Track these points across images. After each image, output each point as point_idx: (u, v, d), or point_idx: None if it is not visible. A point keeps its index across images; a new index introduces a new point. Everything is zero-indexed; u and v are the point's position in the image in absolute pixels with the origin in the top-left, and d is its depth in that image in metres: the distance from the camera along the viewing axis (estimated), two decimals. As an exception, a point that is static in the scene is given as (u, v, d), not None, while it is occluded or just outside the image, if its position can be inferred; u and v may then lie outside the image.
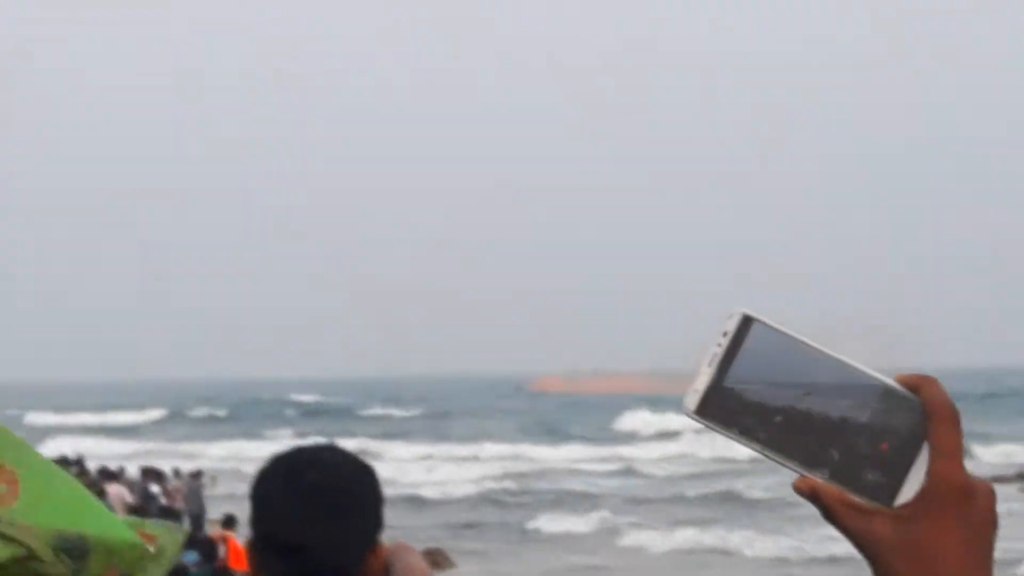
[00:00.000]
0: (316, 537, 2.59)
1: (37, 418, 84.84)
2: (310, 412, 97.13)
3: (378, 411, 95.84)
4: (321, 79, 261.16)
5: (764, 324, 1.23)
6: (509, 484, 45.98)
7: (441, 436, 70.45)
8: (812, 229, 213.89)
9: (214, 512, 26.60)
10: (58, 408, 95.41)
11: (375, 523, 2.65)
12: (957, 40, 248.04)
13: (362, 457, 2.71)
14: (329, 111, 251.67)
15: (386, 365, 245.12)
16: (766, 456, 1.22)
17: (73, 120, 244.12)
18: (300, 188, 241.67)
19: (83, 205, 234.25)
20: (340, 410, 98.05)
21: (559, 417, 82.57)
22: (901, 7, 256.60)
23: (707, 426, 1.22)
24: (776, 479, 39.13)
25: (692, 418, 1.22)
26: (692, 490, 41.27)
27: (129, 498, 24.73)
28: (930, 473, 1.20)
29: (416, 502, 40.90)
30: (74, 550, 3.80)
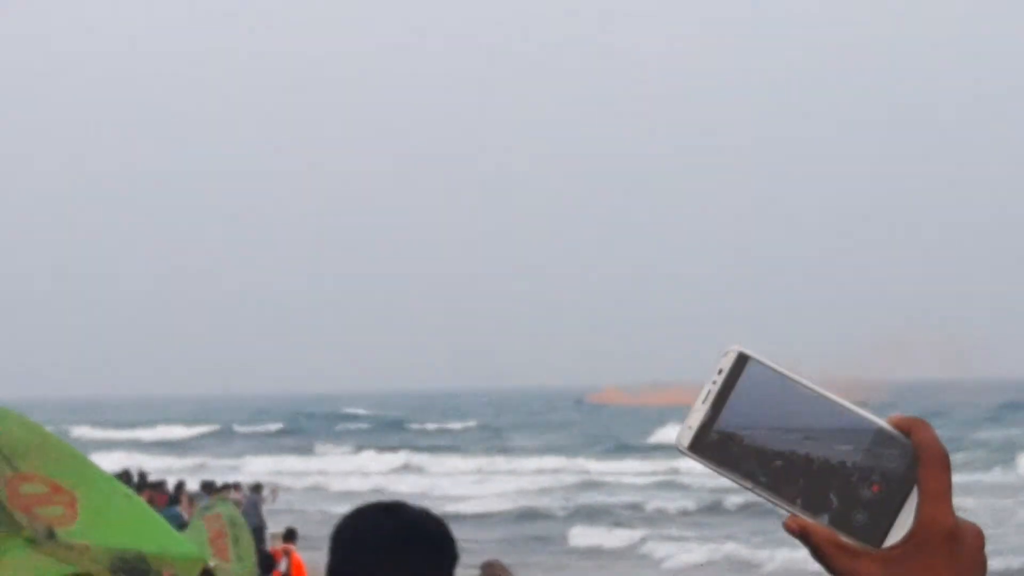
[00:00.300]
0: (398, 566, 2.73)
1: (83, 432, 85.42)
2: (363, 425, 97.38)
3: (431, 425, 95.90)
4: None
5: (759, 362, 1.25)
6: (555, 497, 46.10)
7: (493, 449, 70.50)
8: (881, 232, 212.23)
9: (273, 526, 27.00)
10: (105, 423, 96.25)
11: (450, 564, 2.82)
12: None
13: (434, 512, 2.94)
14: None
15: (443, 378, 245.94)
16: (760, 496, 1.23)
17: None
18: (348, 194, 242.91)
19: (111, 217, 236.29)
20: (393, 423, 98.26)
21: (614, 430, 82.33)
22: None
23: (700, 463, 1.24)
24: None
25: (685, 455, 1.24)
26: (734, 502, 40.89)
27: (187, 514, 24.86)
28: (919, 516, 1.21)
29: (461, 516, 41.00)
30: (133, 569, 4.35)
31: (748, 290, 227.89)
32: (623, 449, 67.23)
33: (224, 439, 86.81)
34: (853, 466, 1.22)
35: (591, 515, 39.77)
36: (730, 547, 30.99)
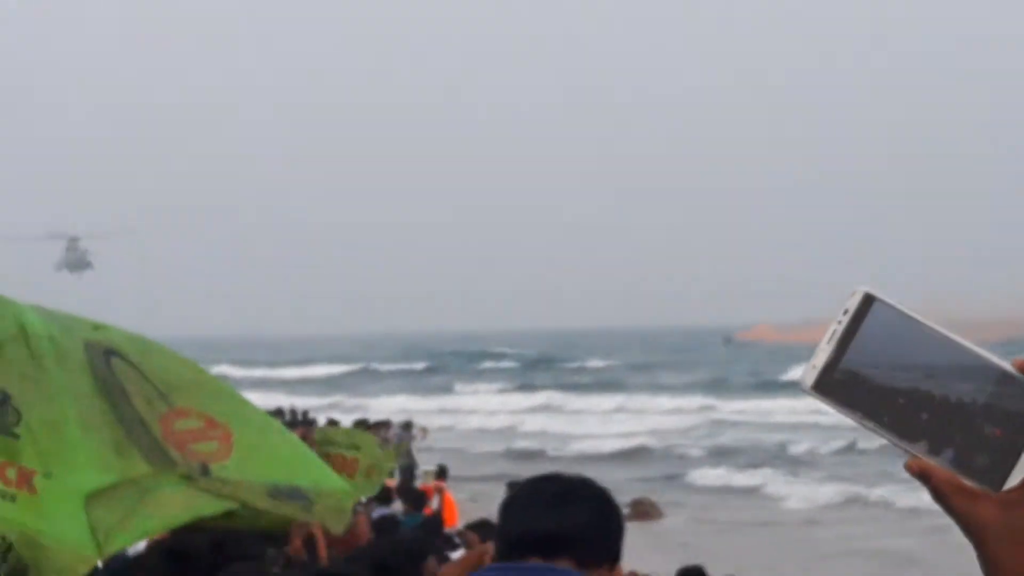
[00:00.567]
0: (577, 529, 2.92)
1: (223, 371, 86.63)
2: (506, 364, 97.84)
3: (573, 364, 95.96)
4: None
5: (885, 303, 1.26)
6: (691, 436, 46.04)
7: (634, 387, 70.32)
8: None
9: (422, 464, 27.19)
10: (248, 362, 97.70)
11: (617, 540, 3.00)
12: None
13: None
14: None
15: (590, 316, 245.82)
16: (883, 437, 1.25)
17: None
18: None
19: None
20: (536, 362, 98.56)
21: (758, 367, 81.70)
22: None
23: (824, 403, 1.26)
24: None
25: (809, 395, 1.27)
26: (869, 443, 40.26)
27: None
28: None
29: (596, 455, 41.20)
30: (292, 496, 4.39)
31: (906, 228, 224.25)
32: (764, 387, 66.62)
33: (366, 378, 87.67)
34: (976, 408, 1.21)
35: (722, 454, 39.65)
36: (856, 488, 30.67)
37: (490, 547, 3.32)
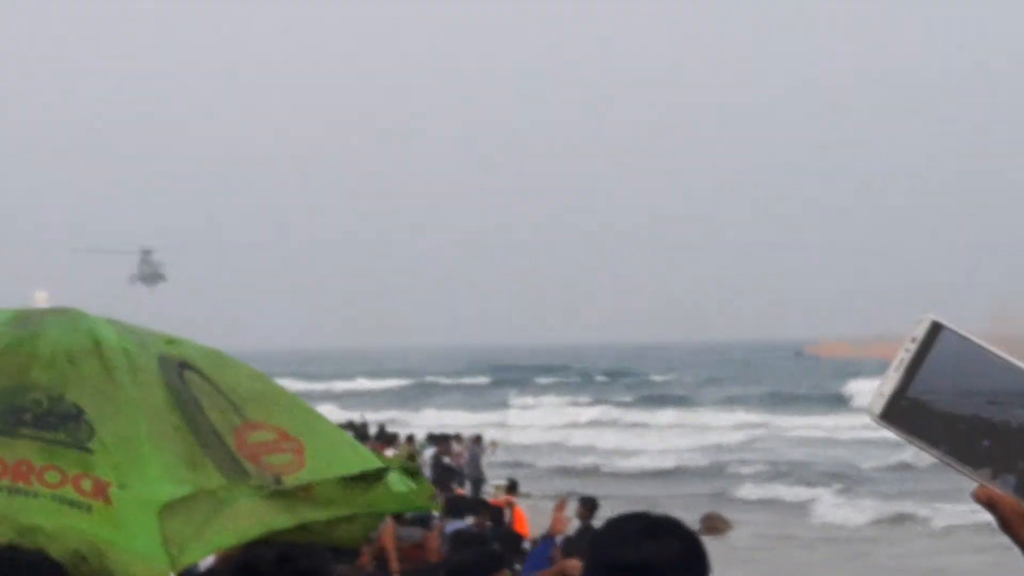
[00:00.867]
0: (666, 560, 3.00)
1: (288, 385, 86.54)
2: (565, 379, 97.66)
3: (631, 378, 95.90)
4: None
5: (951, 331, 1.27)
6: (747, 451, 45.64)
7: (694, 402, 69.98)
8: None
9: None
10: (308, 375, 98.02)
11: (703, 568, 3.07)
12: None
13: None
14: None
15: (659, 331, 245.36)
16: (949, 465, 1.27)
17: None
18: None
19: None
20: (602, 375, 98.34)
21: (823, 382, 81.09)
22: None
23: (891, 431, 1.28)
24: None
25: (877, 423, 1.29)
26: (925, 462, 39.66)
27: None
28: None
29: (648, 470, 41.00)
30: (364, 490, 4.43)
31: (982, 243, 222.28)
32: (824, 402, 65.92)
33: (422, 391, 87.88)
34: None
35: (775, 470, 39.25)
36: (903, 505, 30.32)
37: (576, 563, 3.29)
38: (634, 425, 58.02)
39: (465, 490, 23.94)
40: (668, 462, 42.86)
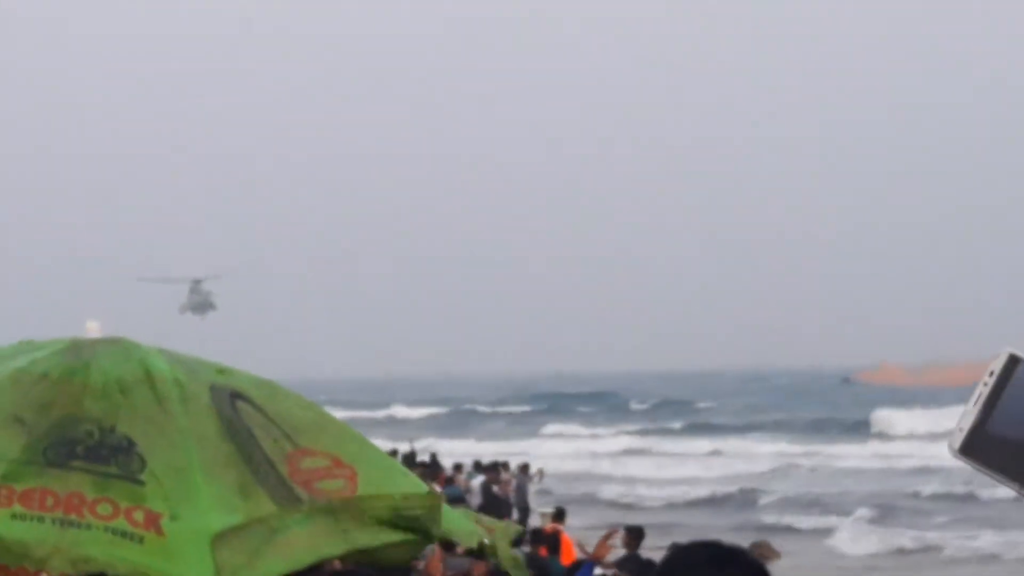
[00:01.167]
0: None
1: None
2: (605, 406, 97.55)
3: (666, 407, 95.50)
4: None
5: None
6: (781, 480, 45.96)
7: (727, 430, 69.88)
8: None
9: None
10: (341, 403, 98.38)
11: None
12: None
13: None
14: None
15: (706, 358, 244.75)
16: None
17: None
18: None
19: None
20: (608, 397, 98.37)
21: (866, 410, 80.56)
22: None
23: (971, 465, 1.30)
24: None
25: (956, 457, 1.31)
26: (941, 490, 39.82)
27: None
28: None
29: (681, 501, 41.27)
30: (414, 527, 4.52)
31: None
32: (857, 430, 65.73)
33: (458, 419, 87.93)
34: None
35: (800, 500, 39.38)
36: (917, 535, 30.54)
37: None
38: (667, 454, 58.04)
39: (512, 519, 23.94)
40: (700, 491, 43.02)
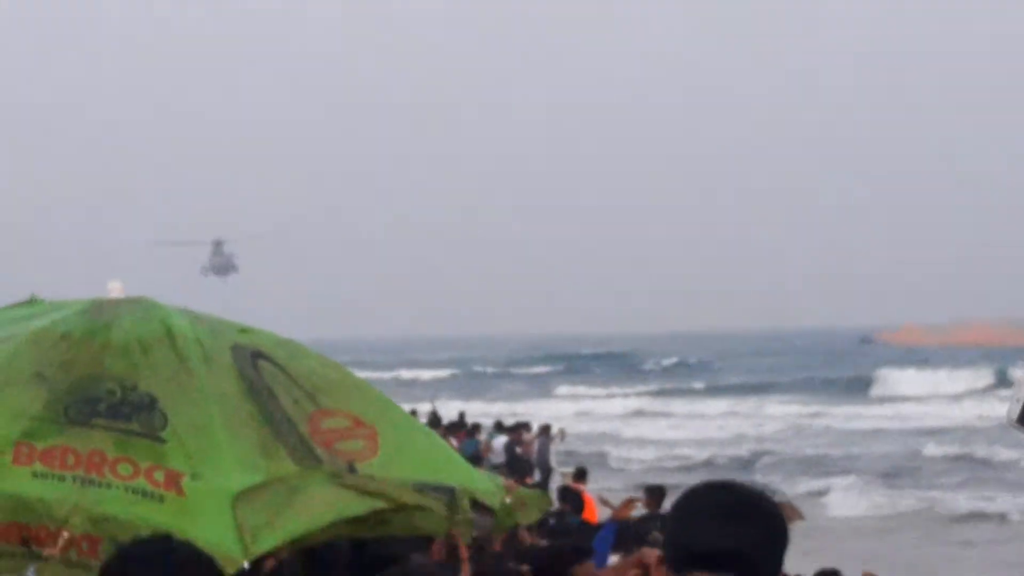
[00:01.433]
0: (747, 546, 2.91)
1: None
2: (622, 367, 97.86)
3: (682, 367, 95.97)
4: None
5: None
6: (779, 442, 46.27)
7: (740, 391, 70.55)
8: None
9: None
10: (357, 364, 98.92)
11: (781, 557, 2.98)
12: None
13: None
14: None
15: (718, 320, 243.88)
16: None
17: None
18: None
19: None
20: (623, 358, 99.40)
21: (877, 371, 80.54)
22: None
23: None
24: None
25: (1015, 428, 1.22)
26: (933, 453, 40.48)
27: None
28: None
29: (684, 461, 42.11)
30: (439, 492, 4.57)
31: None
32: (863, 390, 66.56)
33: (465, 381, 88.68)
34: None
35: (799, 462, 39.94)
36: (914, 497, 31.18)
37: (653, 552, 3.25)
38: (679, 415, 58.65)
39: (534, 479, 24.14)
40: (704, 453, 43.46)
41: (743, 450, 44.19)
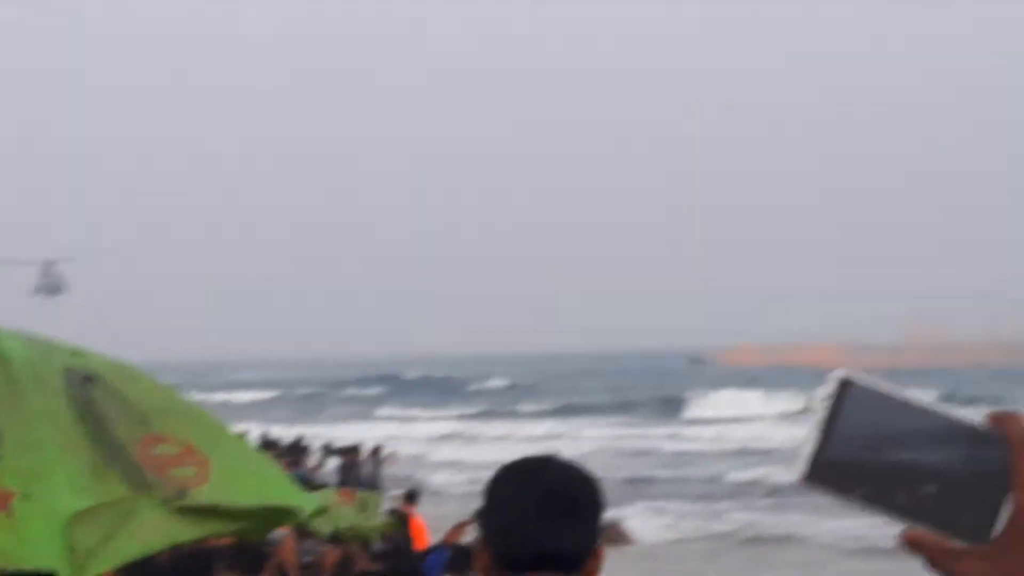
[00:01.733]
0: (554, 531, 2.83)
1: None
2: (415, 387, 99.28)
3: (498, 387, 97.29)
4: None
5: (861, 385, 1.30)
6: (597, 466, 46.77)
7: (557, 413, 72.05)
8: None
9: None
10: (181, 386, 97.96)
11: (599, 525, 2.91)
12: None
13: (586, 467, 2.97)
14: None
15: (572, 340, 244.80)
16: (877, 513, 1.29)
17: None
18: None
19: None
20: (457, 385, 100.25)
21: (696, 392, 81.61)
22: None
23: (816, 491, 1.30)
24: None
25: (802, 486, 1.32)
26: (735, 478, 41.56)
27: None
28: (1014, 505, 1.26)
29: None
30: (264, 520, 4.70)
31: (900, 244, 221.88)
32: (673, 410, 68.45)
33: (291, 403, 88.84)
34: (955, 469, 1.28)
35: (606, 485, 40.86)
36: (701, 522, 32.18)
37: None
38: (498, 438, 59.41)
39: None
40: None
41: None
